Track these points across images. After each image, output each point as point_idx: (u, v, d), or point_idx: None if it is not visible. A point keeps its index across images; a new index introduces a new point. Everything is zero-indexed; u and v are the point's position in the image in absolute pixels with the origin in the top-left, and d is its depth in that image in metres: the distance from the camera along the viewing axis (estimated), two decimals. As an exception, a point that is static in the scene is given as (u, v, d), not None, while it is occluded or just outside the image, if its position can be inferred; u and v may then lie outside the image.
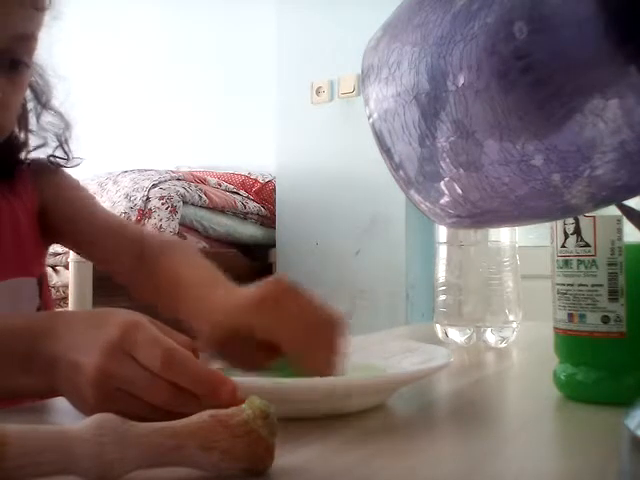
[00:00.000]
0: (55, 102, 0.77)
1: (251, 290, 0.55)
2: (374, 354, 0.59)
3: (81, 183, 0.82)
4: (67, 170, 0.81)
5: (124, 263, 0.75)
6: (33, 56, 0.65)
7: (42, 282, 0.76)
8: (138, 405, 0.42)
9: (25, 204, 0.75)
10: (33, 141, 0.76)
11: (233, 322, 0.53)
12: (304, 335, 0.52)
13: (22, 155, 0.76)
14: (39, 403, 0.51)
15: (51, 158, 0.78)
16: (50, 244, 0.82)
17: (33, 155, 0.77)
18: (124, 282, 0.76)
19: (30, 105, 0.75)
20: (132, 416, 0.36)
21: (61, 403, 0.46)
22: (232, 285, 0.60)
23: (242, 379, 0.44)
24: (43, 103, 0.76)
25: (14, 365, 0.47)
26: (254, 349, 0.53)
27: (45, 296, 0.76)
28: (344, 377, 0.51)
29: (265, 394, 0.38)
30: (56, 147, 0.77)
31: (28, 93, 0.73)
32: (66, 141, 0.78)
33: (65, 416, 0.45)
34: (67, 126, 0.78)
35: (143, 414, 0.41)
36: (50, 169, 0.78)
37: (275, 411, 0.35)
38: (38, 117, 0.76)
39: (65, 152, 0.78)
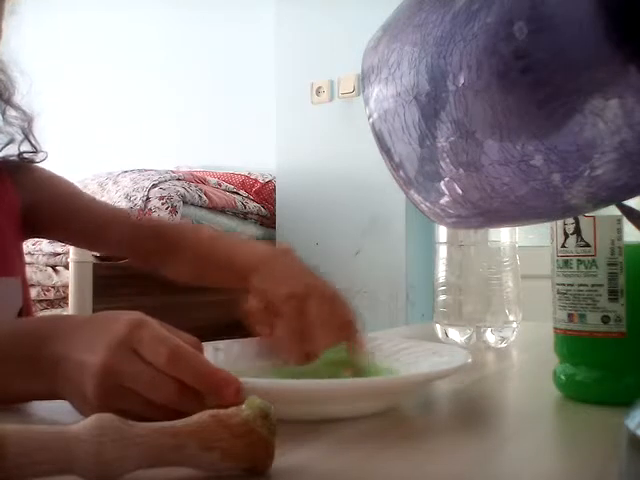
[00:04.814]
0: (17, 97, 0.77)
1: (292, 283, 0.62)
2: (397, 356, 0.59)
3: (65, 178, 0.84)
4: (62, 168, 0.82)
5: (138, 248, 0.81)
6: None
7: (23, 281, 0.76)
8: (141, 403, 0.42)
9: (3, 204, 0.75)
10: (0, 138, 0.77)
11: (270, 307, 0.61)
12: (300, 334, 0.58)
13: None
14: (39, 403, 0.51)
15: (23, 155, 0.79)
16: (29, 238, 0.84)
17: (1, 153, 0.78)
18: (141, 265, 0.82)
19: None
20: (134, 415, 0.36)
21: (61, 403, 0.46)
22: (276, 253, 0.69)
23: (247, 379, 0.44)
24: (5, 99, 0.76)
25: (17, 369, 0.47)
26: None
27: (25, 295, 0.77)
28: (353, 379, 0.51)
29: (273, 396, 0.38)
30: (22, 141, 0.78)
31: None
32: (32, 135, 0.79)
33: (65, 416, 0.45)
34: (31, 120, 0.79)
35: (145, 412, 0.41)
36: (26, 167, 0.79)
37: (285, 414, 0.34)
38: (3, 113, 0.77)
39: (33, 145, 0.79)
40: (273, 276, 0.63)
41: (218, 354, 0.59)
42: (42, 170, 0.81)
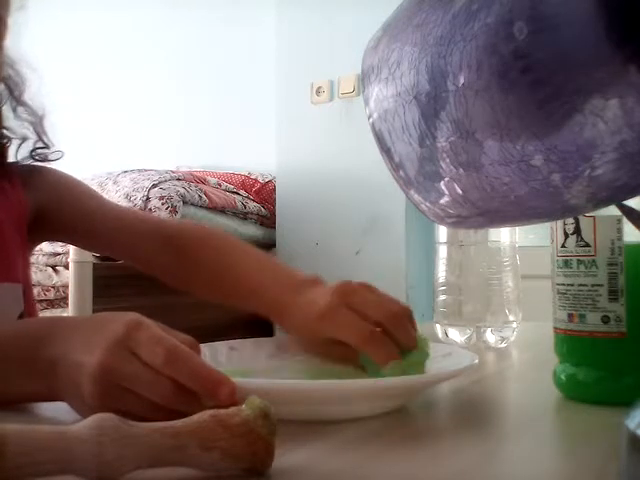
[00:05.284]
0: (28, 95, 0.77)
1: (322, 300, 0.59)
2: None
3: (78, 179, 0.83)
4: (62, 168, 0.81)
5: (150, 254, 0.78)
6: (3, 39, 0.65)
7: (26, 287, 0.76)
8: (139, 403, 0.42)
9: (11, 208, 0.74)
10: (13, 138, 0.76)
11: (310, 332, 0.59)
12: (371, 332, 0.55)
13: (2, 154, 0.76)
14: (39, 403, 0.51)
15: (34, 152, 0.78)
16: (43, 242, 0.83)
17: (14, 153, 0.77)
18: (150, 271, 0.80)
19: (5, 100, 0.76)
20: (132, 415, 0.36)
21: (61, 403, 0.46)
22: (303, 286, 0.64)
23: (248, 380, 0.44)
24: (16, 97, 0.76)
25: (15, 370, 0.47)
26: (337, 349, 0.58)
27: (29, 301, 0.76)
28: (356, 380, 0.51)
29: (277, 396, 0.38)
30: (35, 141, 0.77)
31: (2, 89, 0.74)
32: (43, 132, 0.78)
33: (65, 416, 0.45)
34: (42, 118, 0.78)
35: (144, 412, 0.41)
36: (39, 169, 0.78)
37: (289, 414, 0.34)
38: (14, 111, 0.76)
39: (45, 143, 0.79)
40: (300, 314, 0.60)
41: (233, 353, 0.59)
42: (55, 172, 0.80)
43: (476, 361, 0.52)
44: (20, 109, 0.76)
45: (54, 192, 0.78)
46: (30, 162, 0.78)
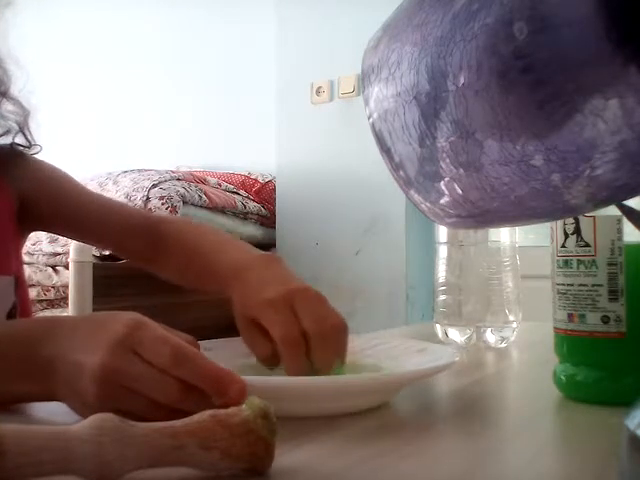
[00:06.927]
0: (14, 90, 0.77)
1: (277, 288, 0.58)
2: (381, 354, 0.59)
3: (57, 167, 0.83)
4: (62, 168, 0.82)
5: (133, 244, 0.80)
6: None
7: (18, 279, 0.75)
8: (141, 403, 0.42)
9: None
10: None
11: (251, 310, 0.58)
12: (295, 339, 0.54)
13: None
14: (39, 403, 0.51)
15: (14, 145, 0.78)
16: (31, 232, 0.84)
17: None
18: (134, 261, 0.82)
19: None
20: (134, 415, 0.36)
21: (60, 403, 0.46)
22: (257, 261, 0.65)
23: (248, 378, 0.44)
24: (2, 92, 0.76)
25: (13, 369, 0.46)
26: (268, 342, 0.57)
27: (22, 293, 0.76)
28: (345, 376, 0.51)
29: (267, 392, 0.38)
30: (16, 133, 0.78)
31: None
32: (27, 128, 0.79)
33: (65, 416, 0.45)
34: (27, 114, 0.78)
35: (146, 413, 0.41)
36: (22, 159, 0.78)
37: (275, 410, 0.35)
38: None
39: (27, 139, 0.79)
40: (253, 283, 0.60)
41: (208, 354, 0.59)
42: (35, 161, 0.80)
43: (457, 358, 0.53)
44: (5, 105, 0.76)
45: (35, 181, 0.78)
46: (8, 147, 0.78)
